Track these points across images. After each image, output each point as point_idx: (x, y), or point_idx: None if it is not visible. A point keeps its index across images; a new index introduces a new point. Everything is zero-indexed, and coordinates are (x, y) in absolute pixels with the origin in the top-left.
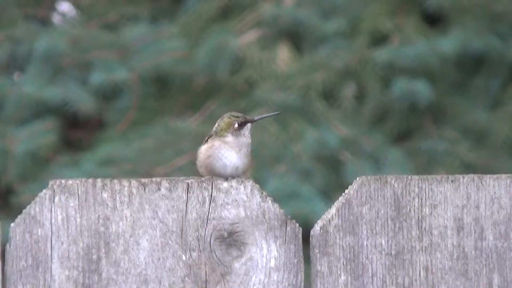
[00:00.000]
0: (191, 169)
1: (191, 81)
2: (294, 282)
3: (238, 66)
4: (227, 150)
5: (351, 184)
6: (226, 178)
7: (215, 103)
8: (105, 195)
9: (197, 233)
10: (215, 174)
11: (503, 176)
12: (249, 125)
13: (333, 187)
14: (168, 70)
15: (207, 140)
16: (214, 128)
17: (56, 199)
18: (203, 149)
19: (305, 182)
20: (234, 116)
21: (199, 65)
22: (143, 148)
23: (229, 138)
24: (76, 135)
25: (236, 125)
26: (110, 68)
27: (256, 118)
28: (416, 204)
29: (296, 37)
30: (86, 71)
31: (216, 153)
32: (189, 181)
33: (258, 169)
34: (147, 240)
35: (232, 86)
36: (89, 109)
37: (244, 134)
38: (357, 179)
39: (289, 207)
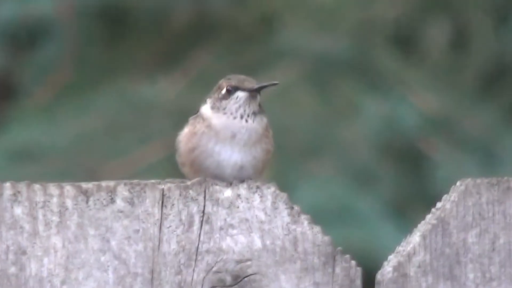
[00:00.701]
0: (167, 166)
1: (166, 17)
2: None
3: None
4: (214, 139)
5: (446, 192)
6: (229, 182)
7: (208, 54)
8: (18, 210)
9: (180, 278)
10: (208, 176)
11: None
12: (243, 94)
13: (412, 198)
14: None
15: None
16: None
17: None
18: (183, 136)
19: (363, 189)
20: (228, 78)
21: None
22: (83, 131)
23: (213, 115)
24: None
25: (224, 91)
26: None
27: (256, 86)
28: None
29: None
30: None
31: (203, 145)
32: (164, 186)
33: (285, 167)
34: None
35: (237, 24)
36: None
37: (235, 110)
38: (458, 183)
39: (337, 232)
